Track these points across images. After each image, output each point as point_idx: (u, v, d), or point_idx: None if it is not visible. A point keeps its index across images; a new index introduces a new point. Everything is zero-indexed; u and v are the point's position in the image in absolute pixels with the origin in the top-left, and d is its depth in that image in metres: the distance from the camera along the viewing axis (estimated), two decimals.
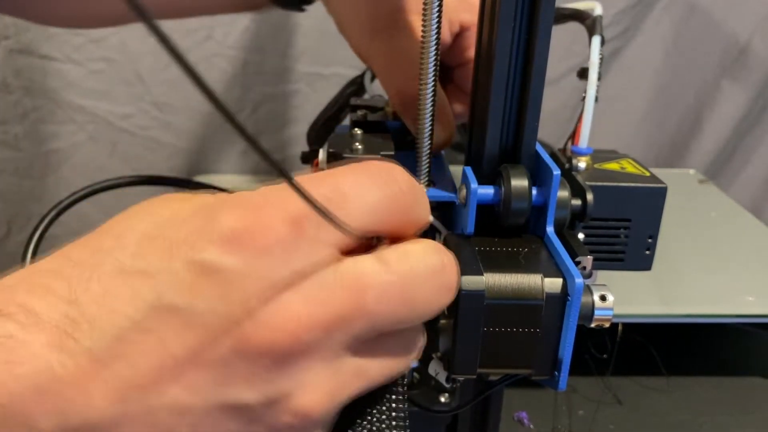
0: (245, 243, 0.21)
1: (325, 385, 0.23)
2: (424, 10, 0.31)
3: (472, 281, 0.28)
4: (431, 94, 0.32)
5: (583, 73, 0.38)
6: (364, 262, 0.24)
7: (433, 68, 0.32)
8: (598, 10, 0.40)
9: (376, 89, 0.48)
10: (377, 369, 0.25)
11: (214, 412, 0.22)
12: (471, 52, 0.41)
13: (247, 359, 0.22)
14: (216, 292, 0.21)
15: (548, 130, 0.87)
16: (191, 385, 0.21)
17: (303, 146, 0.51)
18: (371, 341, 0.24)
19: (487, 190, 0.31)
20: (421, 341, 0.27)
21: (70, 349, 0.21)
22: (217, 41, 0.84)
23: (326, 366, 0.23)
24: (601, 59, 0.38)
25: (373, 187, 0.24)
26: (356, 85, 0.48)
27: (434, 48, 0.31)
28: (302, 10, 0.50)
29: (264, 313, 0.21)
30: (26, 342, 0.21)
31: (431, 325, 0.29)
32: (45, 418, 0.21)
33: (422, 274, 0.24)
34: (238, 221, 0.22)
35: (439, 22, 0.31)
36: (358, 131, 0.36)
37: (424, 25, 0.31)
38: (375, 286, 0.23)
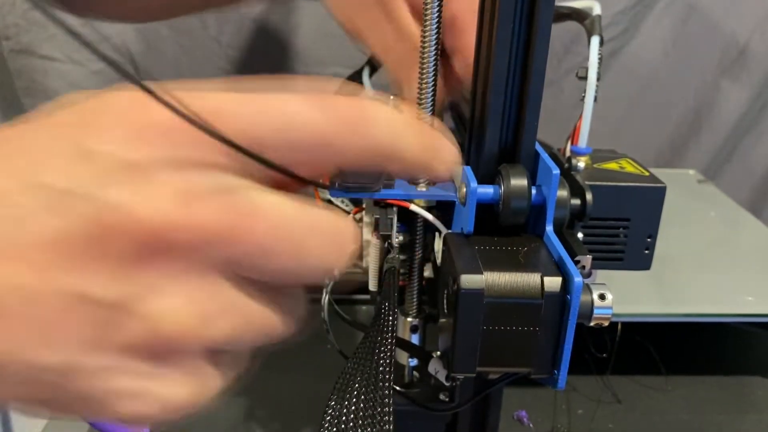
0: (136, 131, 0.21)
1: (187, 297, 0.21)
2: (425, 10, 0.31)
3: (472, 280, 0.28)
4: (431, 94, 0.33)
5: (582, 73, 0.38)
6: (270, 195, 0.22)
7: (434, 69, 0.32)
8: (597, 10, 0.41)
9: (374, 85, 0.48)
10: (255, 314, 0.23)
11: (62, 300, 0.20)
12: (459, 42, 0.41)
13: (104, 247, 0.20)
14: (91, 175, 0.20)
15: (547, 130, 0.87)
16: (41, 267, 0.20)
17: None
18: (252, 283, 0.23)
19: (487, 190, 0.31)
20: (301, 309, 0.26)
21: None
22: (218, 41, 0.84)
23: (195, 281, 0.22)
24: (600, 59, 0.38)
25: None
26: (354, 82, 0.48)
27: (434, 48, 0.32)
28: None
29: (134, 202, 0.20)
30: None
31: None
32: None
33: (321, 226, 0.23)
34: (132, 107, 0.21)
35: (439, 22, 0.31)
36: None
37: (424, 25, 0.31)
38: (269, 219, 0.22)
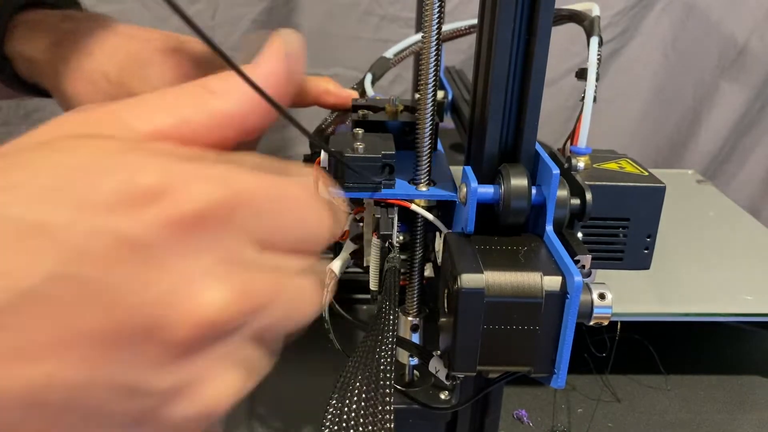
0: (169, 212, 0.20)
1: (235, 374, 0.22)
2: (425, 9, 0.31)
3: (472, 279, 0.28)
4: (432, 95, 0.33)
5: (581, 74, 0.38)
6: (287, 259, 0.23)
7: (434, 68, 0.32)
8: (596, 11, 0.41)
9: (375, 86, 0.48)
10: (290, 283, 0.23)
11: (112, 393, 0.20)
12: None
13: (157, 343, 0.19)
14: (129, 266, 0.19)
15: (547, 130, 0.87)
16: (84, 360, 0.19)
17: (304, 146, 0.51)
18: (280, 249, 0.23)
19: (487, 189, 0.31)
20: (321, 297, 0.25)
21: None
22: (218, 42, 0.84)
23: (236, 353, 0.22)
24: (600, 60, 0.38)
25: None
26: (357, 91, 0.49)
27: (434, 48, 0.32)
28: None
29: (185, 298, 0.20)
30: None
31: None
32: None
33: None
34: (165, 182, 0.20)
35: (439, 21, 0.31)
36: (359, 131, 0.37)
37: (424, 26, 0.31)
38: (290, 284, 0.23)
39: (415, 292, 0.39)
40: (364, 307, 0.57)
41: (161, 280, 0.19)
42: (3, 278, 0.18)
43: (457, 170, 0.35)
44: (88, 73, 0.43)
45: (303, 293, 0.23)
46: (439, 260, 0.35)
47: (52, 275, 0.18)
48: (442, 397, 0.40)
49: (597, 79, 0.38)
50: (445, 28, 0.46)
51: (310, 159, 0.50)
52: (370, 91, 0.48)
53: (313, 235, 0.24)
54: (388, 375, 0.30)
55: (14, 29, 0.44)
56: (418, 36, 0.50)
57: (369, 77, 0.48)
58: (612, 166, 0.39)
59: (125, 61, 0.43)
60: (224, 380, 0.21)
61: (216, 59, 0.45)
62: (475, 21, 0.46)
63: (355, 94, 0.46)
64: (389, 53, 0.50)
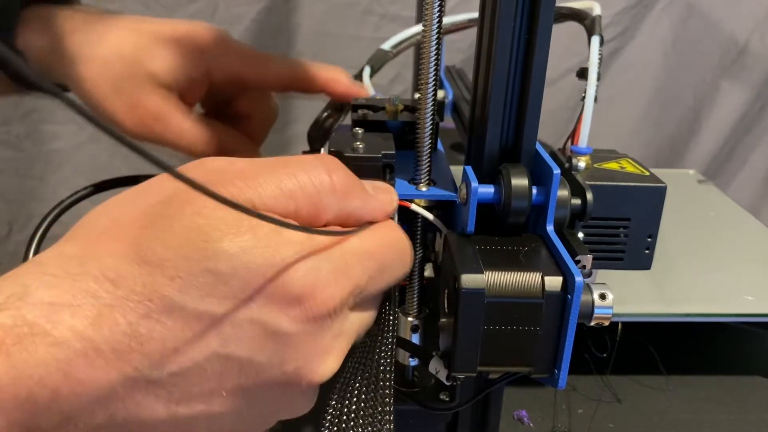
0: (307, 313, 0.25)
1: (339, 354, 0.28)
2: (425, 9, 0.31)
3: (473, 279, 0.28)
4: (432, 95, 0.33)
5: (582, 73, 0.38)
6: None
7: (434, 68, 0.32)
8: (597, 10, 0.41)
9: (375, 86, 0.48)
10: (362, 322, 0.29)
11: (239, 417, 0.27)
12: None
13: (285, 394, 0.27)
14: (274, 349, 0.25)
15: (548, 130, 0.87)
16: (229, 405, 0.26)
17: (304, 146, 0.51)
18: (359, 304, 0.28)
19: (488, 189, 0.31)
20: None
21: (132, 374, 0.23)
22: None
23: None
24: (600, 59, 0.38)
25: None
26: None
27: (435, 47, 0.32)
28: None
29: (310, 373, 0.26)
30: (89, 365, 0.22)
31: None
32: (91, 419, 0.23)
33: (388, 243, 0.29)
34: (306, 289, 0.25)
35: (439, 21, 0.31)
36: (359, 131, 0.36)
37: (424, 25, 0.31)
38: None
39: (415, 292, 0.39)
40: None
41: (296, 359, 0.25)
42: (173, 353, 0.23)
43: (457, 170, 0.35)
44: (102, 55, 0.45)
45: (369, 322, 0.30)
46: (439, 260, 0.35)
47: (214, 354, 0.24)
48: (442, 397, 0.40)
49: (598, 79, 0.38)
50: (445, 21, 0.46)
51: None
52: (368, 84, 0.48)
53: (399, 278, 0.30)
54: (388, 375, 0.30)
55: (27, 23, 0.45)
56: (417, 28, 0.50)
57: (367, 70, 0.48)
58: (613, 165, 0.39)
59: (139, 40, 0.45)
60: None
61: (220, 49, 0.46)
62: (473, 15, 0.46)
63: (364, 92, 0.46)
64: (387, 45, 0.50)
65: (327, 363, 0.27)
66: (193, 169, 0.26)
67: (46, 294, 0.22)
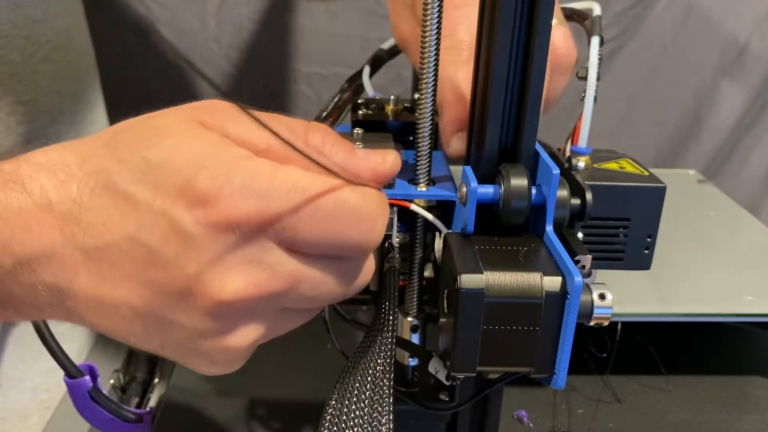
0: (208, 217, 0.25)
1: (258, 329, 0.28)
2: (425, 10, 0.31)
3: (472, 279, 0.28)
4: (432, 95, 0.33)
5: (582, 73, 0.38)
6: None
7: (434, 68, 0.32)
8: (597, 11, 0.41)
9: (375, 86, 0.48)
10: (308, 277, 0.28)
11: (155, 320, 0.27)
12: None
13: (190, 302, 0.27)
14: (178, 246, 0.26)
15: (547, 130, 0.87)
16: (142, 298, 0.27)
17: None
18: (305, 253, 0.28)
19: (487, 189, 0.31)
20: (361, 277, 0.30)
21: (70, 239, 0.26)
22: (218, 41, 0.84)
23: (250, 255, 0.27)
24: (600, 59, 0.38)
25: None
26: (355, 83, 0.49)
27: (435, 47, 0.32)
28: None
29: (209, 281, 0.26)
30: (40, 220, 0.26)
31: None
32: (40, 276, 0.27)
33: (344, 199, 0.28)
34: (211, 192, 0.25)
35: (439, 22, 0.31)
36: (359, 131, 0.36)
37: (424, 25, 0.31)
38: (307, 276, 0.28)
39: (415, 292, 0.39)
40: (364, 307, 0.57)
41: (196, 263, 0.26)
42: (101, 227, 0.26)
43: (457, 170, 0.35)
44: None
45: (321, 286, 0.29)
46: (439, 260, 0.35)
47: (129, 236, 0.26)
48: (442, 397, 0.40)
49: (598, 79, 0.38)
50: None
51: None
52: (367, 84, 0.48)
53: (352, 243, 0.28)
54: (387, 375, 0.30)
55: None
56: None
57: (367, 70, 0.48)
58: (612, 165, 0.39)
59: None
60: (246, 333, 0.28)
61: None
62: None
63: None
64: (387, 45, 0.50)
65: (228, 279, 0.26)
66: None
67: (41, 158, 0.27)
